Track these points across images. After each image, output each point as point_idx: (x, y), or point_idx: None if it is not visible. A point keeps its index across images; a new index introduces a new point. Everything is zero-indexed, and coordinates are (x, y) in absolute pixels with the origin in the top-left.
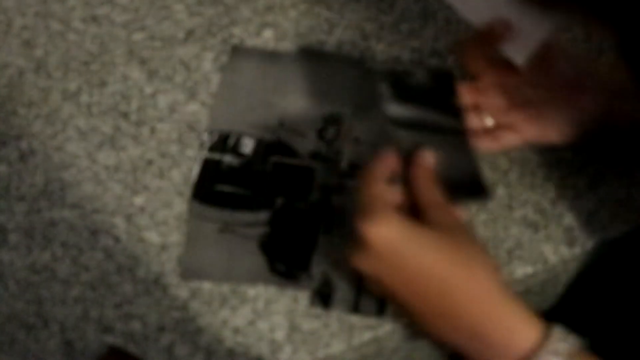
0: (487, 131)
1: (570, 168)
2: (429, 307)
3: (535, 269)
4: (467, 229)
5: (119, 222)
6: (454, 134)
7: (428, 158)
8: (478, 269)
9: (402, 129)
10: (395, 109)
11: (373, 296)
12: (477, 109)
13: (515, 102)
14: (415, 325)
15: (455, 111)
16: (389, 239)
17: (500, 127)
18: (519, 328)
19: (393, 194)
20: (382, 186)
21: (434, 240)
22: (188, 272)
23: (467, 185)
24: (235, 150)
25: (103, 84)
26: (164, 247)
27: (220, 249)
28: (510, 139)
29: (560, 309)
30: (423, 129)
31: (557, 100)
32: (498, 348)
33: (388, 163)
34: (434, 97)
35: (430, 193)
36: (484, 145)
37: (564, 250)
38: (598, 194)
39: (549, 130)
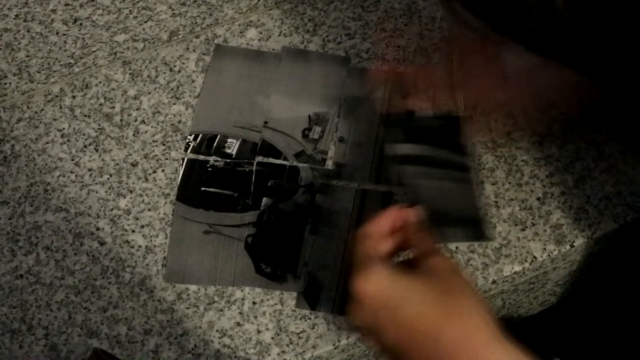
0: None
1: (557, 165)
2: (420, 356)
3: (523, 267)
4: (460, 274)
5: (104, 225)
6: (459, 170)
7: (418, 212)
8: (469, 317)
9: (409, 165)
10: (401, 148)
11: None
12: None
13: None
14: None
15: (461, 149)
16: (379, 291)
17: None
18: None
19: (387, 245)
20: (375, 241)
21: (425, 290)
22: (172, 275)
23: (468, 224)
24: (220, 151)
25: (86, 86)
26: (149, 250)
27: (205, 250)
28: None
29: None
30: (429, 165)
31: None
32: None
33: (386, 222)
34: (440, 136)
35: (424, 242)
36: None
37: (552, 248)
38: (585, 191)
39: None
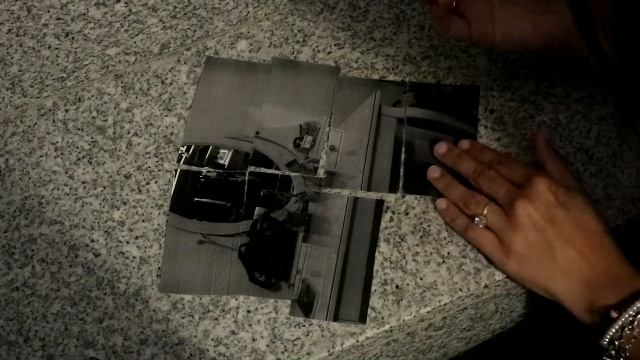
0: (442, 17)
1: None
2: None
3: None
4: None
5: (98, 236)
6: (466, 137)
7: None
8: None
9: (417, 127)
10: (414, 111)
11: (353, 303)
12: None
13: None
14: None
15: (473, 120)
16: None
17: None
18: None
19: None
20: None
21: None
22: (167, 285)
23: None
24: (212, 161)
25: (79, 99)
26: (143, 260)
27: (199, 260)
28: (459, 28)
29: None
30: (437, 129)
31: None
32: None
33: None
34: (456, 106)
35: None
36: (434, 28)
37: None
38: None
39: (508, 30)
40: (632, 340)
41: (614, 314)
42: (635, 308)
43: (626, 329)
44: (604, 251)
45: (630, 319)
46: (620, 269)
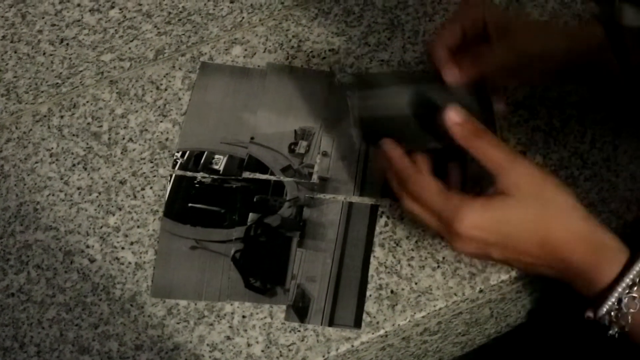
0: (450, 63)
1: None
2: (529, 260)
3: (509, 275)
4: (536, 171)
5: (94, 242)
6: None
7: (458, 114)
8: (569, 216)
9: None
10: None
11: (348, 308)
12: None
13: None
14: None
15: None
16: (478, 231)
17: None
18: (611, 261)
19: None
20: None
21: (519, 217)
22: (159, 290)
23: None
24: (207, 167)
25: (74, 105)
26: (139, 266)
27: (192, 266)
28: (471, 69)
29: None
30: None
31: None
32: (590, 276)
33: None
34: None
35: (489, 157)
36: (448, 77)
37: None
38: None
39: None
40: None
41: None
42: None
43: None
44: (560, 249)
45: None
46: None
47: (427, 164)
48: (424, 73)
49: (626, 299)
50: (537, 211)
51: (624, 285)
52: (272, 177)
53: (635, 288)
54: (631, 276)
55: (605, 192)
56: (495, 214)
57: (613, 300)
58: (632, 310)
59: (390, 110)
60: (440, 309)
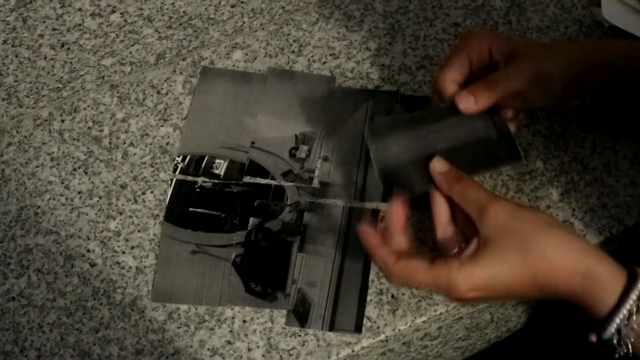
0: (465, 92)
1: (541, 179)
2: (531, 296)
3: None
4: (521, 216)
5: (94, 246)
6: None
7: (441, 163)
8: (553, 250)
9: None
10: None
11: (349, 313)
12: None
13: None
14: None
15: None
16: (472, 291)
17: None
18: (606, 290)
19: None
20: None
21: (507, 264)
22: (159, 295)
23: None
24: (208, 171)
25: (74, 110)
26: (139, 271)
27: (192, 270)
28: (486, 96)
29: None
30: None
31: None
32: (590, 305)
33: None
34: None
35: (469, 198)
36: (463, 105)
37: None
38: (570, 204)
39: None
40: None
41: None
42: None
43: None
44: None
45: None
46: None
47: (402, 232)
48: (436, 107)
49: (625, 330)
50: (522, 253)
51: (621, 316)
52: (273, 182)
53: (634, 318)
54: (628, 307)
55: (605, 197)
56: (485, 272)
57: (612, 330)
58: (632, 339)
59: (410, 156)
60: (440, 314)
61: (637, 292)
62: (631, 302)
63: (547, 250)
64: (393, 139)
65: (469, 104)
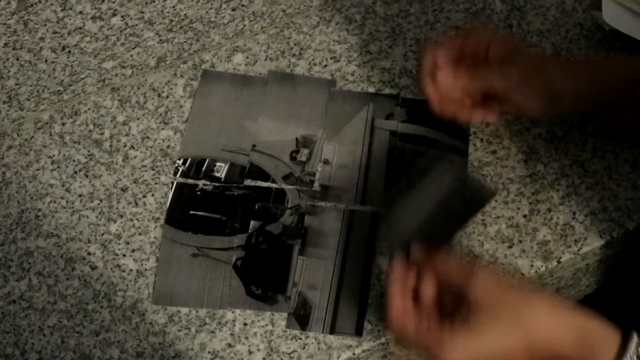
0: (471, 106)
1: (542, 183)
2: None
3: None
4: (504, 285)
5: (95, 249)
6: (457, 153)
7: (417, 250)
8: (545, 314)
9: (408, 143)
10: (405, 127)
11: (350, 316)
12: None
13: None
14: None
15: (464, 136)
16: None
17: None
18: (602, 345)
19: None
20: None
21: (501, 339)
22: (160, 298)
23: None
24: (208, 174)
25: (75, 113)
26: (140, 273)
27: (193, 273)
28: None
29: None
30: (428, 145)
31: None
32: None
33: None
34: (448, 122)
35: (453, 279)
36: (477, 118)
37: (539, 265)
38: (571, 208)
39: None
40: None
41: None
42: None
43: None
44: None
45: None
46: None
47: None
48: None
49: None
50: (515, 322)
51: None
52: (274, 185)
53: None
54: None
55: (606, 201)
56: (478, 342)
57: None
58: None
59: (416, 223)
60: None
61: (633, 348)
62: (631, 353)
63: (539, 315)
64: (400, 213)
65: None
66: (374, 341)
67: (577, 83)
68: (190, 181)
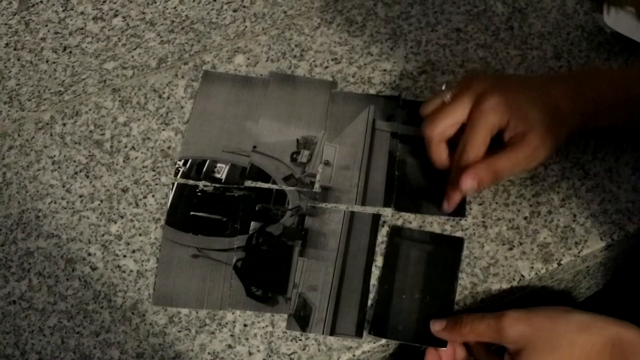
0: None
1: (543, 185)
2: None
3: (511, 285)
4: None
5: (95, 250)
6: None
7: (436, 323)
8: (579, 335)
9: (409, 145)
10: (406, 129)
11: (350, 317)
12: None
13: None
14: None
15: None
16: None
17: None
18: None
19: None
20: None
21: None
22: (160, 298)
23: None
24: (209, 176)
25: (76, 113)
26: (140, 274)
27: (193, 274)
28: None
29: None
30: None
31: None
32: None
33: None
34: None
35: (481, 329)
36: (466, 186)
37: (540, 267)
38: (572, 210)
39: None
40: None
41: None
42: None
43: None
44: None
45: None
46: None
47: None
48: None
49: None
50: (553, 351)
51: None
52: (274, 186)
53: None
54: None
55: (607, 203)
56: None
57: None
58: None
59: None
60: None
61: None
62: None
63: (574, 337)
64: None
65: (472, 185)
66: (375, 342)
67: (582, 104)
68: (191, 182)
